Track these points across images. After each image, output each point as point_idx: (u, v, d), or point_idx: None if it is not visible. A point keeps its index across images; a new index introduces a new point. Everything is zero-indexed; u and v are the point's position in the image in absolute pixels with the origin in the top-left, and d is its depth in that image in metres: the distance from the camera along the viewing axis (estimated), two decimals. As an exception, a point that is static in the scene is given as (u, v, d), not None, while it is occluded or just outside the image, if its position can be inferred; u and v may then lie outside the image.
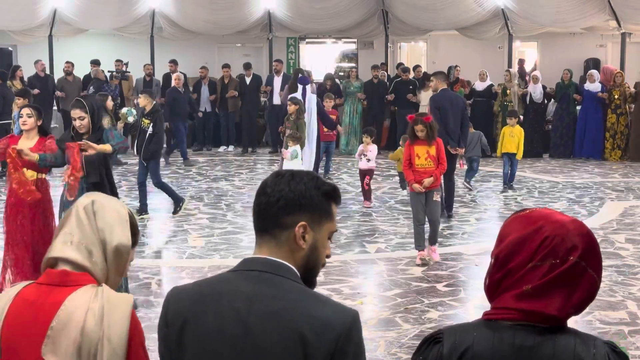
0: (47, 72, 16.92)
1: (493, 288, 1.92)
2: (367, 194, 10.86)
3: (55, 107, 16.53)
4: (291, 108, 11.54)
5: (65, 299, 2.18)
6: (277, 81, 16.41)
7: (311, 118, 11.86)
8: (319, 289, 7.29)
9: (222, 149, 17.02)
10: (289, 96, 12.15)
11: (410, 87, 16.47)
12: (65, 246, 2.24)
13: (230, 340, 1.94)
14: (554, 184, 12.86)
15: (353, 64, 20.32)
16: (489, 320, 1.90)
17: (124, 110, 11.25)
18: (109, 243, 2.27)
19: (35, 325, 2.18)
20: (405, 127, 15.72)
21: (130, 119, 11.01)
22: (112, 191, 6.33)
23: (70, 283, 2.22)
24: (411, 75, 16.90)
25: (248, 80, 16.91)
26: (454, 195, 10.41)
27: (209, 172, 14.01)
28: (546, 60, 19.06)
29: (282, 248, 2.01)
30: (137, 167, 10.67)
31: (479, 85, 16.23)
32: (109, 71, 16.50)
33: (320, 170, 12.56)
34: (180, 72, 16.53)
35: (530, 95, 15.93)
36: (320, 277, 7.51)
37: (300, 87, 12.18)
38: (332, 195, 2.06)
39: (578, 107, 15.86)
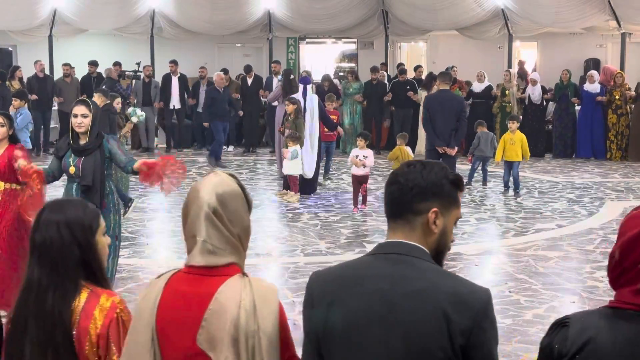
0: (47, 72, 16.93)
1: (613, 283, 2.03)
2: (364, 198, 10.57)
3: (55, 107, 16.53)
4: (290, 108, 11.55)
5: (216, 290, 2.27)
6: (276, 82, 16.39)
7: (313, 118, 11.87)
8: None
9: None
10: (288, 96, 12.15)
11: (408, 87, 16.46)
12: (206, 256, 2.31)
13: (377, 319, 2.09)
14: (554, 184, 12.85)
15: (353, 64, 20.33)
16: (613, 308, 2.01)
17: (129, 110, 11.17)
18: (241, 230, 2.36)
19: (189, 314, 2.28)
20: (402, 127, 15.76)
21: (134, 119, 10.93)
22: (102, 196, 6.10)
23: (218, 273, 2.31)
24: (411, 75, 16.90)
25: (249, 81, 16.91)
26: None
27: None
28: (546, 61, 19.06)
29: (415, 232, 2.18)
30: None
31: (477, 87, 16.20)
32: (121, 71, 16.52)
33: (321, 170, 12.55)
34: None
35: (529, 96, 15.95)
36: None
37: (301, 86, 12.19)
38: (459, 184, 2.24)
39: (577, 107, 15.86)
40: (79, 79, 16.87)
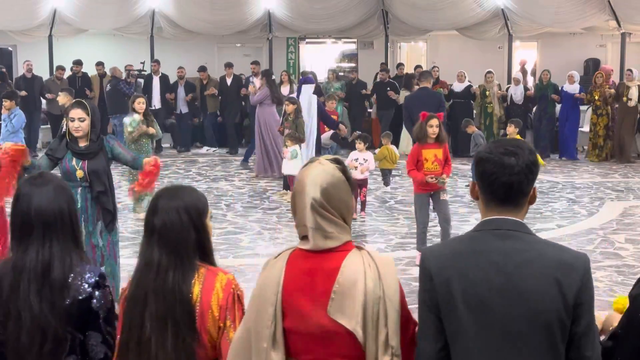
0: (47, 72, 16.93)
1: None
2: (362, 204, 10.25)
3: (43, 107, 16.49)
4: (289, 108, 11.55)
5: (341, 264, 2.49)
6: (256, 83, 16.27)
7: (312, 118, 11.87)
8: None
9: (204, 149, 16.75)
10: (288, 96, 12.15)
11: (388, 88, 16.46)
12: (322, 240, 2.51)
13: (496, 289, 2.33)
14: (553, 184, 12.85)
15: (353, 64, 20.34)
16: None
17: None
18: (346, 211, 2.56)
19: (316, 288, 2.49)
20: (385, 127, 15.73)
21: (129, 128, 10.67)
22: (113, 200, 5.99)
23: (337, 250, 2.52)
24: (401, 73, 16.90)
25: (229, 81, 16.66)
26: None
27: (209, 172, 14.00)
28: (546, 61, 19.05)
29: (521, 210, 2.44)
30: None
31: (457, 87, 16.12)
32: (126, 70, 16.47)
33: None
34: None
35: (511, 96, 15.96)
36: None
37: (303, 86, 12.22)
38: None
39: (558, 106, 15.82)
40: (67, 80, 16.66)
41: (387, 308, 2.46)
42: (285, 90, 16.31)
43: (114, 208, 5.94)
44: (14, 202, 2.83)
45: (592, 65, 18.76)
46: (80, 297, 2.75)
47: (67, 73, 16.84)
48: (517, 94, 15.97)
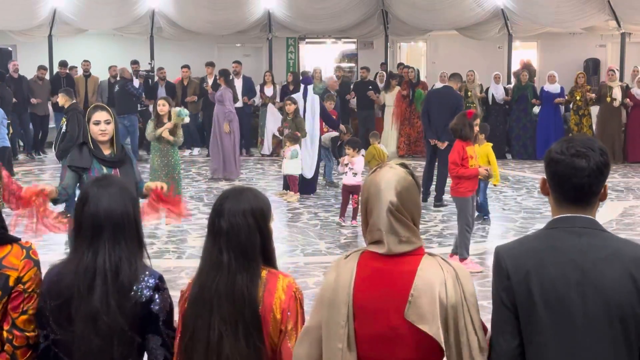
0: (48, 72, 16.92)
1: None
2: (354, 212, 9.71)
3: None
4: (290, 108, 11.55)
5: (417, 268, 2.49)
6: (238, 83, 16.13)
7: (314, 118, 11.88)
8: (317, 290, 7.26)
9: (187, 152, 16.25)
10: (288, 96, 12.16)
11: (370, 87, 16.42)
12: (397, 245, 2.51)
13: (574, 284, 2.38)
14: (553, 184, 12.84)
15: (353, 64, 20.36)
16: None
17: (177, 109, 10.08)
18: (417, 215, 2.59)
19: (392, 291, 2.48)
20: (365, 127, 15.82)
21: (187, 120, 10.26)
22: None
23: (411, 254, 2.52)
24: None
25: (210, 81, 16.19)
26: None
27: (209, 172, 14.00)
28: (546, 61, 19.06)
29: (592, 208, 2.48)
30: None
31: (439, 86, 16.08)
32: (134, 70, 16.44)
33: (321, 170, 12.55)
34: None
35: (493, 95, 15.97)
36: (319, 277, 7.48)
37: (302, 86, 12.24)
38: None
39: (537, 108, 15.80)
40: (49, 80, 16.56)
41: (471, 311, 2.47)
42: (268, 91, 16.33)
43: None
44: (81, 204, 2.81)
45: (592, 65, 18.78)
46: (142, 300, 2.75)
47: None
48: (497, 93, 15.94)
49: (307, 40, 20.25)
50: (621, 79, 15.94)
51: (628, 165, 14.80)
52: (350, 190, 9.83)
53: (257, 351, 2.69)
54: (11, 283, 2.75)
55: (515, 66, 18.37)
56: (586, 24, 17.35)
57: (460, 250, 7.77)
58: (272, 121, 15.85)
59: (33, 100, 15.79)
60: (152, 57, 17.84)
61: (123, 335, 2.71)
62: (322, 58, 20.33)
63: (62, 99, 10.33)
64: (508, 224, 9.89)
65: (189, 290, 2.82)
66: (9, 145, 12.59)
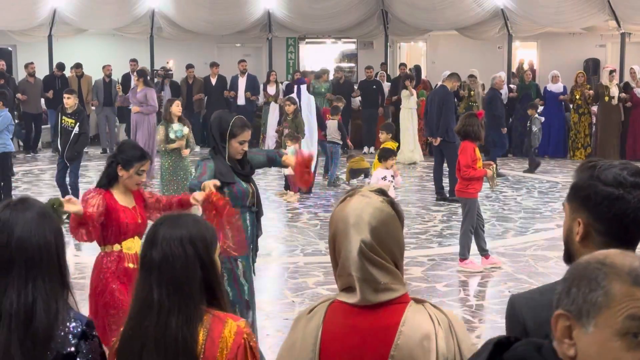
0: (47, 72, 16.94)
1: None
2: None
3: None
4: (289, 108, 11.56)
5: (399, 322, 2.01)
6: (242, 82, 16.31)
7: (311, 117, 11.92)
8: (317, 290, 7.23)
9: (187, 151, 16.40)
10: (287, 96, 12.19)
11: (374, 86, 16.51)
12: (371, 294, 2.03)
13: None
14: (553, 184, 12.86)
15: (352, 64, 20.36)
16: None
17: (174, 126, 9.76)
18: (399, 253, 2.09)
19: (367, 352, 2.02)
20: (370, 127, 15.90)
21: (171, 135, 9.62)
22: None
23: (391, 303, 2.04)
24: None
25: (214, 81, 16.68)
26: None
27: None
28: (546, 61, 19.06)
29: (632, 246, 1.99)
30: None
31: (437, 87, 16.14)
32: (153, 70, 16.50)
33: (320, 170, 12.56)
34: (162, 69, 16.51)
35: None
36: (319, 277, 7.47)
37: (295, 87, 12.35)
38: None
39: (541, 108, 15.85)
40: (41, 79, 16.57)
41: None
42: (272, 90, 16.37)
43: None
44: None
45: (592, 65, 18.77)
46: (64, 352, 2.23)
47: (67, 73, 16.88)
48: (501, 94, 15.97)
49: (307, 40, 20.25)
50: (621, 79, 15.94)
51: (628, 165, 14.78)
52: None
53: None
54: None
55: (516, 66, 18.38)
56: (586, 24, 17.34)
57: (462, 250, 7.80)
58: (275, 119, 15.97)
59: (20, 96, 15.77)
60: (152, 57, 17.85)
61: None
62: (322, 58, 20.32)
63: (73, 100, 9.94)
64: (508, 224, 9.89)
65: (119, 337, 2.36)
66: (13, 150, 12.49)
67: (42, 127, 16.87)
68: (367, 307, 2.03)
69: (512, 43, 17.83)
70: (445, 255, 8.33)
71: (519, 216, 10.32)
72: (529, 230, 9.53)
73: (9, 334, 2.17)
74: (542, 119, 14.47)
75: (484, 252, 7.80)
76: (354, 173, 12.52)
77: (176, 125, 9.32)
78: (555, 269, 7.72)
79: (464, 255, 7.77)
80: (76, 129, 9.83)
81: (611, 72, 15.34)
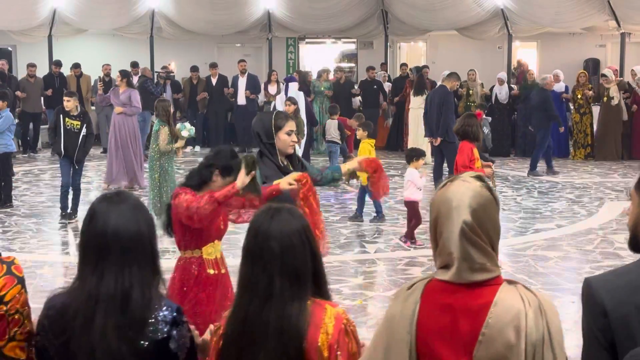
0: (46, 72, 16.94)
1: None
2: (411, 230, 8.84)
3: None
4: (290, 108, 11.57)
5: (491, 302, 2.13)
6: (242, 81, 16.42)
7: (300, 115, 12.06)
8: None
9: (188, 149, 16.29)
10: (288, 96, 12.23)
11: (375, 86, 16.53)
12: (469, 274, 2.16)
13: None
14: (553, 184, 12.86)
15: (353, 64, 20.35)
16: None
17: (178, 125, 9.70)
18: (496, 237, 2.23)
19: (459, 329, 2.14)
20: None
21: (185, 134, 9.70)
22: None
23: (486, 284, 2.16)
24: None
25: (214, 80, 16.81)
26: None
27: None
28: (546, 61, 19.06)
29: None
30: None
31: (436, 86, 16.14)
32: (155, 71, 16.52)
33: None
34: (164, 71, 16.51)
35: (496, 96, 16.01)
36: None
37: (289, 84, 12.47)
38: None
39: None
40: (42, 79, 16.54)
41: (555, 351, 2.11)
42: (272, 89, 16.42)
43: None
44: (85, 221, 2.45)
45: (592, 65, 18.77)
46: (158, 338, 2.36)
47: (67, 73, 16.88)
48: (502, 93, 16.04)
49: (307, 40, 20.25)
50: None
51: (628, 165, 14.79)
52: (415, 207, 8.78)
53: None
54: None
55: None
56: (586, 24, 17.35)
57: None
58: None
59: (19, 94, 15.76)
60: (152, 57, 17.85)
61: None
62: (322, 58, 20.33)
63: (73, 103, 9.85)
64: (508, 224, 9.89)
65: (225, 325, 2.48)
66: (14, 150, 12.42)
67: (41, 127, 16.86)
68: (462, 286, 2.15)
69: (512, 43, 17.84)
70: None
71: (519, 216, 10.33)
72: (529, 230, 9.53)
73: (105, 317, 2.30)
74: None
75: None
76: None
77: (188, 124, 9.49)
78: (555, 269, 7.73)
79: None
80: (84, 131, 9.78)
81: (602, 75, 15.35)
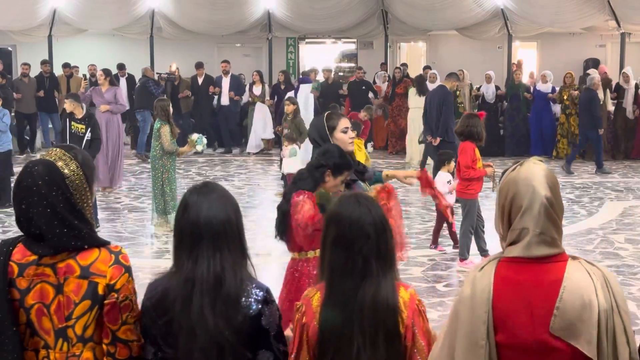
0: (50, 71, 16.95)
1: None
2: (454, 236, 8.51)
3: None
4: (289, 108, 11.56)
5: (562, 277, 2.29)
6: (225, 82, 16.40)
7: (307, 116, 12.02)
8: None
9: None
10: (287, 96, 12.21)
11: (364, 87, 16.50)
12: (543, 247, 2.32)
13: None
14: (553, 184, 12.84)
15: (353, 64, 20.35)
16: None
17: (194, 136, 9.55)
18: (562, 217, 2.44)
19: (535, 303, 2.28)
20: (357, 128, 15.87)
21: (200, 148, 9.60)
22: None
23: (554, 260, 2.33)
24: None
25: (200, 80, 16.72)
26: None
27: (209, 172, 14.01)
28: (546, 61, 19.06)
29: None
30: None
31: (429, 87, 16.10)
32: (157, 73, 16.49)
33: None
34: (166, 73, 16.50)
35: (483, 95, 15.99)
36: (320, 277, 7.32)
37: (301, 85, 12.39)
38: None
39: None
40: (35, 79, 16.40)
41: (624, 320, 2.26)
42: (257, 90, 16.38)
43: None
44: (179, 212, 2.68)
45: (592, 65, 18.73)
46: (251, 314, 2.60)
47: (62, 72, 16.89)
48: (488, 92, 16.03)
49: (307, 40, 20.25)
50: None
51: (628, 165, 14.80)
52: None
53: (403, 355, 2.60)
54: (100, 291, 2.58)
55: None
56: (586, 24, 17.35)
57: (462, 250, 7.81)
58: (260, 120, 16.08)
59: (15, 95, 15.68)
60: (152, 57, 17.85)
61: (231, 350, 2.55)
62: (322, 58, 20.33)
63: (70, 106, 9.61)
64: (508, 224, 9.88)
65: (322, 309, 2.65)
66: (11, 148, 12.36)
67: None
68: (533, 264, 2.31)
69: (512, 43, 17.84)
70: (445, 255, 8.33)
71: (519, 216, 10.31)
72: (529, 230, 9.52)
73: (201, 297, 2.54)
74: None
75: (483, 253, 7.80)
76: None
77: (204, 139, 9.40)
78: (555, 269, 7.72)
79: (463, 255, 7.79)
80: (88, 135, 9.45)
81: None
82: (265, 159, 15.81)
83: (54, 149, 2.72)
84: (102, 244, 2.64)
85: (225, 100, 16.49)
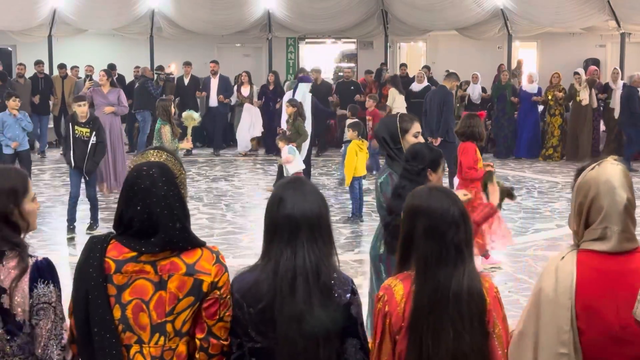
0: (47, 72, 16.94)
1: None
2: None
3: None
4: (289, 110, 11.55)
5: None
6: (214, 83, 16.26)
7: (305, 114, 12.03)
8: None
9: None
10: (288, 98, 12.17)
11: (352, 87, 16.46)
12: (624, 243, 2.50)
13: None
14: (553, 184, 12.86)
15: (352, 64, 20.35)
16: None
17: (185, 114, 9.65)
18: (635, 209, 2.56)
19: (618, 290, 2.47)
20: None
21: (197, 120, 9.74)
22: None
23: (633, 252, 2.51)
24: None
25: (186, 80, 16.55)
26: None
27: (209, 172, 14.01)
28: (546, 61, 19.07)
29: None
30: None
31: (416, 87, 16.07)
32: (155, 73, 16.45)
33: (325, 179, 12.55)
34: (164, 73, 16.49)
35: (469, 96, 15.98)
36: (320, 277, 7.31)
37: (299, 84, 12.38)
38: None
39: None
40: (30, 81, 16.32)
41: None
42: (245, 91, 16.33)
43: None
44: (274, 206, 2.75)
45: (592, 65, 18.77)
46: (343, 303, 2.71)
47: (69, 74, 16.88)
48: (474, 93, 16.04)
49: (307, 40, 20.26)
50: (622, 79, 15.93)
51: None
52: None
53: (488, 340, 2.69)
54: (205, 289, 2.68)
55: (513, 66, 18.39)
56: (586, 24, 17.35)
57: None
58: (248, 120, 16.05)
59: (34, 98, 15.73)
60: (152, 57, 17.86)
61: (328, 337, 2.65)
62: (322, 58, 20.33)
63: (80, 108, 9.33)
64: (507, 224, 9.86)
65: (415, 299, 2.69)
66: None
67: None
68: (616, 255, 2.49)
69: (512, 43, 17.84)
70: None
71: (519, 216, 10.32)
72: (529, 230, 9.54)
73: (307, 285, 2.64)
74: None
75: (484, 253, 7.80)
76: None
77: (195, 114, 9.56)
78: (555, 269, 7.71)
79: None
80: (93, 139, 9.20)
81: (576, 73, 15.34)
82: (265, 159, 15.82)
83: (153, 151, 2.89)
84: (203, 244, 2.76)
85: (213, 102, 16.37)
